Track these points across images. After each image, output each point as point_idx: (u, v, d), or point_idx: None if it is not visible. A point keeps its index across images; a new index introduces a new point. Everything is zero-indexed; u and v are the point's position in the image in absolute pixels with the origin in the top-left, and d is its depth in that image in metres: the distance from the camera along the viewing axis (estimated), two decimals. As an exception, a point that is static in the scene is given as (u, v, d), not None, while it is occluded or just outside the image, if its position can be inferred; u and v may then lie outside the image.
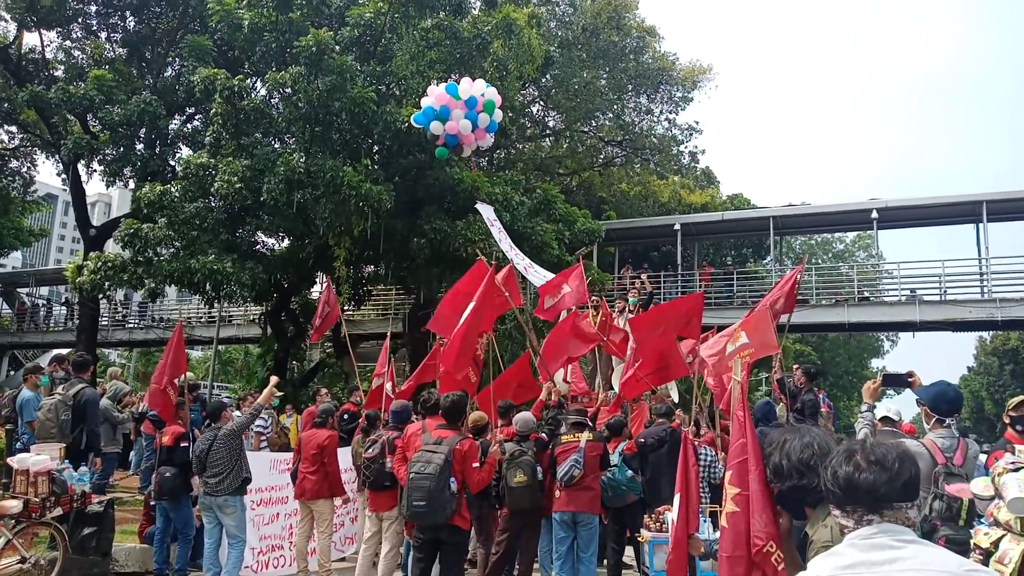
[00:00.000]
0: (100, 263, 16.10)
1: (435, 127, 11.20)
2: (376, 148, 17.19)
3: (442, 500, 5.67)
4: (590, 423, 7.60)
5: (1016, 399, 5.44)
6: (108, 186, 20.64)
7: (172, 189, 16.43)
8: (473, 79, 13.28)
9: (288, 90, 15.99)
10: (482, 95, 11.94)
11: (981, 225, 20.57)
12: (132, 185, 19.83)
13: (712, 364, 7.64)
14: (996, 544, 3.50)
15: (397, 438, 7.25)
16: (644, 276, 16.84)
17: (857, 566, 1.77)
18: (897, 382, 4.89)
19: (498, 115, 12.58)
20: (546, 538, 7.39)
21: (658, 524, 7.10)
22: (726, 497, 3.05)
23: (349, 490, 8.57)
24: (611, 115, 27.41)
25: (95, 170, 21.05)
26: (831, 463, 1.97)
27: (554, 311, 10.37)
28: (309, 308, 20.98)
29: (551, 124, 28.14)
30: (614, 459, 7.49)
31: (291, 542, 8.44)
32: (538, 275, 11.96)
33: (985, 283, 20.25)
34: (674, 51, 27.88)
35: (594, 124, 27.73)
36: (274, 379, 8.39)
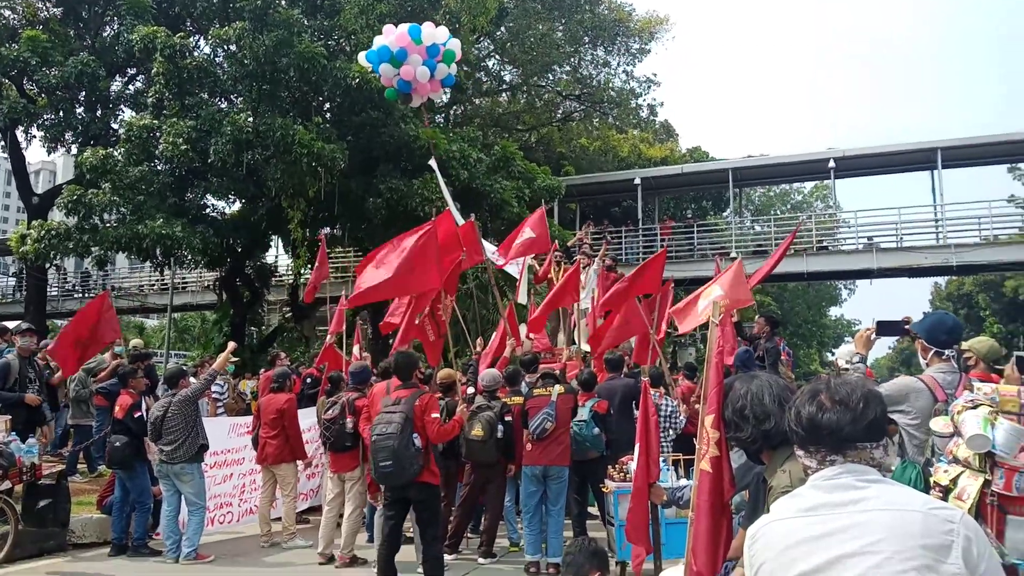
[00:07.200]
0: (44, 231, 15.54)
1: (386, 69, 10.47)
2: (327, 105, 16.76)
3: (407, 458, 5.67)
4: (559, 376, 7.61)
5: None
6: (49, 152, 19.88)
7: (115, 153, 15.81)
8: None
9: (233, 47, 15.46)
10: (444, 44, 11.32)
11: (936, 172, 20.91)
12: (74, 150, 19.10)
13: (682, 322, 7.59)
14: (955, 481, 3.51)
15: (357, 399, 7.17)
16: (586, 238, 16.01)
17: (820, 508, 1.72)
18: (892, 330, 4.35)
19: (453, 69, 12.15)
20: (509, 494, 7.41)
21: (622, 474, 7.12)
22: (708, 441, 2.96)
23: (312, 450, 8.50)
24: (568, 68, 27.13)
25: (34, 136, 20.20)
26: (795, 403, 1.90)
27: (514, 254, 10.17)
28: (264, 272, 20.61)
29: (507, 79, 27.74)
30: (584, 414, 7.47)
31: (241, 499, 8.49)
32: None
33: (940, 229, 20.65)
34: (630, 1, 27.41)
35: (551, 78, 27.42)
36: (231, 345, 8.26)
